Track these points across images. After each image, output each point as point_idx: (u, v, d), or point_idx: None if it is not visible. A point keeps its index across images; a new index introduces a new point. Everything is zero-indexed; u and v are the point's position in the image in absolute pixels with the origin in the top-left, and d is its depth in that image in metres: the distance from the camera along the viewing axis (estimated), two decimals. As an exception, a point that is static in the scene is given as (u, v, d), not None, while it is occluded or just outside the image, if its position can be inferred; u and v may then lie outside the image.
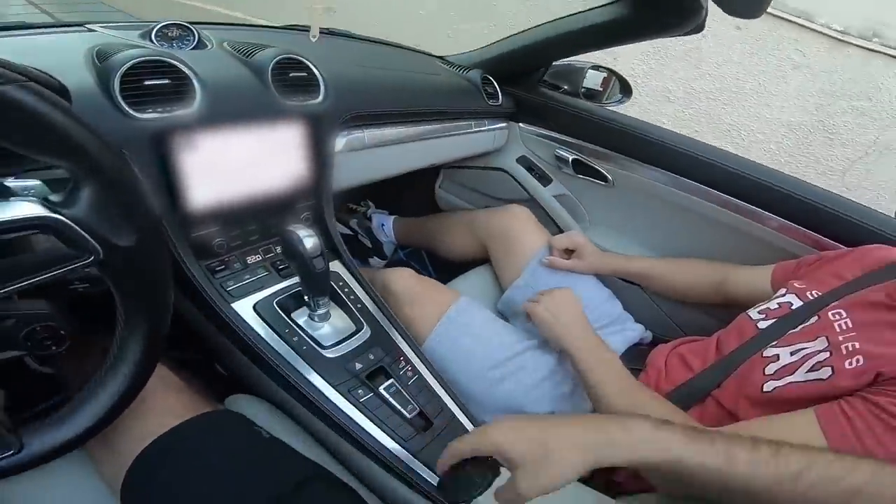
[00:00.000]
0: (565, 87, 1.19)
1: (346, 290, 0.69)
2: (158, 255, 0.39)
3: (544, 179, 1.19)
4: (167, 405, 0.52)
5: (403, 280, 0.81)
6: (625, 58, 2.12)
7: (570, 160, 1.11)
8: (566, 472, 0.39)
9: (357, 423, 0.56)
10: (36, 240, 0.42)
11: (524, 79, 1.16)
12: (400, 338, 0.68)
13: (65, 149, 0.32)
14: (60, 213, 0.33)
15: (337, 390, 0.58)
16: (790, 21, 1.96)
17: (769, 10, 1.85)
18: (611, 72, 1.19)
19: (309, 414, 0.58)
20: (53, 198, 0.34)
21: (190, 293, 0.59)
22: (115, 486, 0.49)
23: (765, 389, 0.58)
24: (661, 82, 2.12)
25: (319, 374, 0.58)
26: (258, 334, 0.59)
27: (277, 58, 0.67)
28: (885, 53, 1.92)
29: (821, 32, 1.95)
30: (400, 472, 0.55)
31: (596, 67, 1.19)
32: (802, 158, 2.12)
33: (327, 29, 1.07)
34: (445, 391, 0.65)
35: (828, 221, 0.82)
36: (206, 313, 0.60)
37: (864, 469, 0.39)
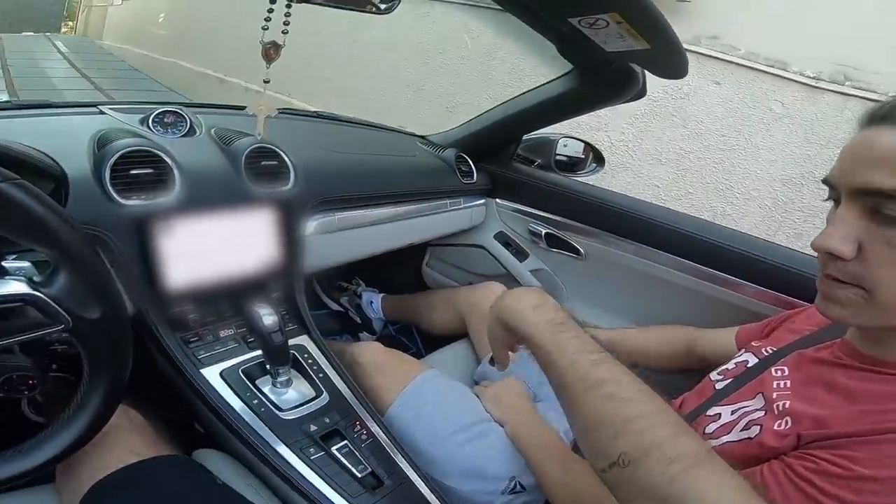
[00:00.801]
0: (538, 161, 1.27)
1: (309, 360, 0.76)
2: (120, 326, 0.48)
3: (521, 255, 1.25)
4: (130, 444, 0.58)
5: (370, 353, 0.87)
6: (615, 122, 2.24)
7: (544, 234, 1.18)
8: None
9: (306, 479, 0.61)
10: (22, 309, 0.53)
11: (498, 155, 1.25)
12: (358, 404, 0.73)
13: (46, 239, 0.42)
14: (40, 292, 0.43)
15: (290, 448, 0.63)
16: (765, 72, 2.04)
17: (744, 62, 1.96)
18: (582, 142, 1.28)
19: (266, 469, 0.64)
20: (37, 278, 0.44)
21: (166, 359, 0.67)
22: None
23: None
24: (652, 144, 2.20)
25: (274, 433, 0.64)
26: (221, 396, 0.66)
27: (251, 147, 0.77)
28: (858, 96, 1.97)
29: (795, 81, 2.02)
30: None
31: (567, 137, 1.28)
32: (797, 213, 2.11)
33: (316, 112, 1.23)
34: (401, 454, 0.69)
35: (797, 282, 0.85)
36: (181, 377, 0.68)
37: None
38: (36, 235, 0.41)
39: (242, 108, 1.05)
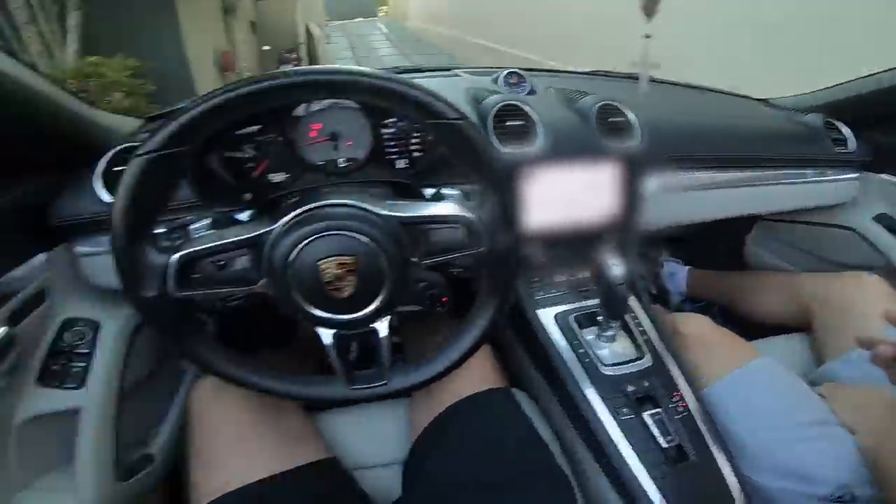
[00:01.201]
0: None
1: (635, 320, 0.74)
2: (518, 257, 0.53)
3: (914, 244, 0.92)
4: (484, 372, 0.68)
5: (697, 325, 0.79)
6: None
7: None
8: None
9: (611, 437, 0.62)
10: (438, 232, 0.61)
11: (889, 122, 0.95)
12: (679, 374, 0.69)
13: (484, 170, 0.49)
14: (475, 214, 0.50)
15: (604, 403, 0.64)
16: None
17: None
18: None
19: (565, 417, 0.67)
20: (468, 204, 0.52)
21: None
22: (418, 429, 0.65)
23: None
24: None
25: (592, 385, 0.66)
26: (553, 339, 0.71)
27: (599, 104, 0.78)
28: None
29: None
30: (629, 490, 0.58)
31: None
32: None
33: (650, 77, 1.14)
34: (712, 435, 0.64)
35: None
36: (517, 315, 0.75)
37: None
38: (479, 166, 0.49)
39: (577, 73, 1.06)
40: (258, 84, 0.42)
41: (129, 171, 0.42)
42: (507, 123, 0.74)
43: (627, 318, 0.74)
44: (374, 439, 0.71)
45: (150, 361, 0.80)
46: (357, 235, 0.46)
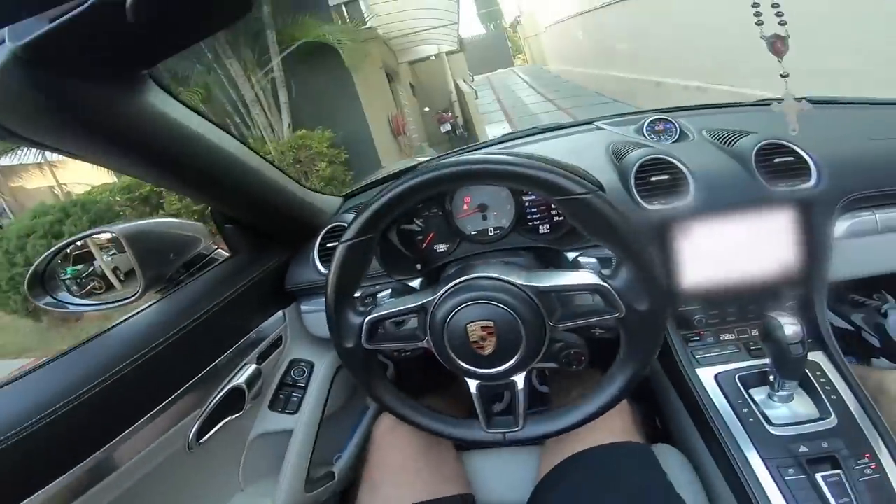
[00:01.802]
0: None
1: (822, 379, 0.66)
2: (661, 320, 0.55)
3: None
4: (612, 426, 0.68)
5: None
6: None
7: None
8: None
9: (767, 497, 0.56)
10: (576, 297, 0.66)
11: None
12: (876, 433, 0.60)
13: (616, 240, 0.52)
14: (608, 283, 0.53)
15: (763, 461, 0.59)
16: None
17: None
18: None
19: (720, 475, 0.62)
20: (605, 271, 0.56)
21: (665, 354, 0.73)
22: (542, 473, 0.68)
23: None
24: None
25: (752, 441, 0.61)
26: (711, 399, 0.67)
27: (759, 144, 0.73)
28: None
29: None
30: None
31: None
32: None
33: (817, 98, 1.01)
34: None
35: None
36: (671, 373, 0.73)
37: None
38: (609, 236, 0.53)
39: (729, 105, 1.01)
40: (412, 181, 0.56)
41: (337, 255, 0.59)
42: (653, 179, 0.74)
43: (813, 376, 0.66)
44: (507, 480, 0.76)
45: (343, 397, 0.99)
46: (497, 304, 0.55)
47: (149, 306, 0.69)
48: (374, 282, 0.78)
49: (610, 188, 0.74)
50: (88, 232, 0.74)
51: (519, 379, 0.59)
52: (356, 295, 0.63)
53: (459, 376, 0.61)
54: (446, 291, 0.58)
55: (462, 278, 0.58)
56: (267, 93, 5.68)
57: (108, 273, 0.75)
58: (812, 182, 0.71)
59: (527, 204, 0.76)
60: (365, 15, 7.45)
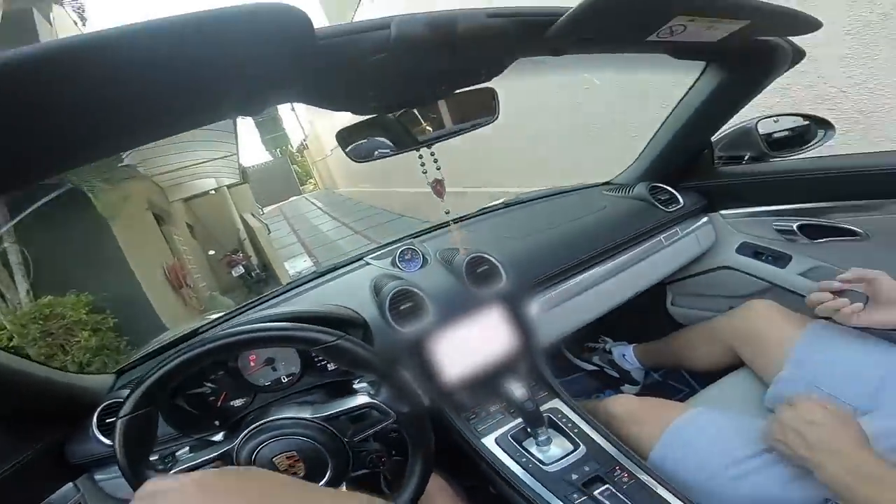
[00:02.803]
0: (748, 154, 1.15)
1: (564, 419, 0.88)
2: (422, 414, 0.71)
3: (780, 260, 1.13)
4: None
5: (623, 404, 0.93)
6: (827, 70, 1.82)
7: (796, 227, 1.06)
8: None
9: None
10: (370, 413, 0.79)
11: (696, 168, 1.21)
12: (616, 451, 0.81)
13: (369, 369, 0.67)
14: (376, 400, 0.69)
15: (556, 496, 0.76)
16: None
17: None
18: (792, 114, 1.14)
19: None
20: (372, 391, 0.71)
21: (458, 436, 0.89)
22: None
23: None
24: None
25: (542, 485, 0.78)
26: (499, 459, 0.84)
27: (466, 259, 0.99)
28: None
29: None
30: None
31: (767, 117, 1.14)
32: None
33: (504, 203, 1.38)
34: (670, 491, 0.73)
35: None
36: (470, 448, 0.88)
37: None
38: (363, 367, 0.69)
39: (446, 224, 1.33)
40: (180, 358, 0.62)
41: (117, 431, 0.62)
42: (402, 308, 0.95)
43: (556, 419, 0.88)
44: None
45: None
46: (296, 437, 0.68)
47: None
48: (172, 443, 0.82)
49: (373, 321, 0.92)
50: None
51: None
52: (152, 458, 0.66)
53: None
54: (246, 435, 0.68)
55: (259, 422, 0.69)
56: (-9, 253, 4.53)
57: None
58: (503, 281, 0.99)
59: (312, 352, 0.87)
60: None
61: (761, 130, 1.13)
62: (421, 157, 0.80)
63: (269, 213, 16.33)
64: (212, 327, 1.03)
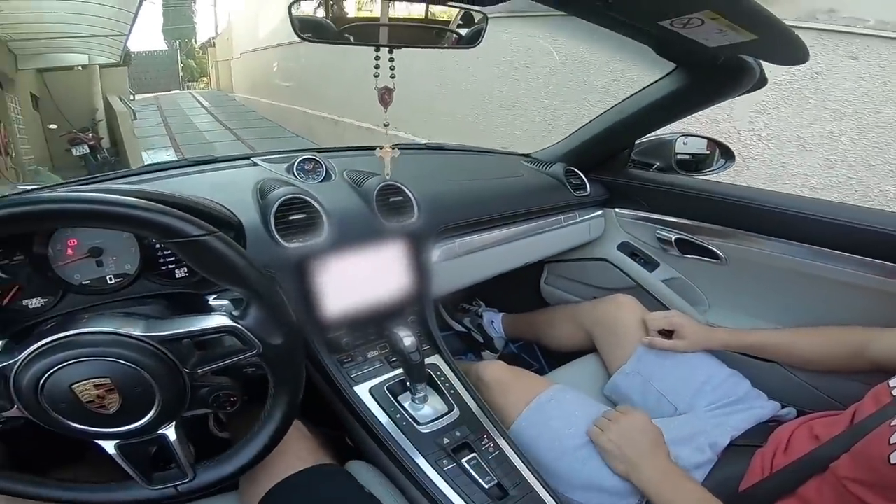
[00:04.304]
0: (657, 164, 1.23)
1: (442, 378, 0.83)
2: (297, 350, 0.58)
3: (650, 265, 1.21)
4: (298, 451, 0.71)
5: (494, 371, 0.92)
6: (738, 111, 2.07)
7: (674, 240, 1.13)
8: None
9: (438, 488, 0.68)
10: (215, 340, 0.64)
11: (611, 163, 1.24)
12: (486, 419, 0.79)
13: (240, 281, 0.53)
14: (239, 323, 0.54)
15: (426, 459, 0.71)
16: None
17: (876, 32, 1.71)
18: (704, 137, 1.22)
19: (405, 478, 0.72)
20: (235, 313, 0.56)
21: (325, 379, 0.79)
22: None
23: (892, 461, 0.55)
24: (790, 130, 2.01)
25: (413, 445, 0.73)
26: (370, 411, 0.76)
27: (380, 185, 0.86)
28: None
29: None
30: None
31: (686, 135, 1.22)
32: None
33: (426, 145, 1.32)
34: (526, 466, 0.74)
35: None
36: (337, 394, 0.79)
37: None
38: (232, 278, 0.53)
39: (371, 148, 1.20)
40: None
41: None
42: (291, 218, 0.77)
43: (434, 376, 0.83)
44: None
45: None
46: (112, 360, 0.50)
47: None
48: None
49: (251, 227, 0.74)
50: None
51: (169, 431, 0.56)
52: None
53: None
54: (31, 353, 0.49)
55: (54, 337, 0.50)
56: None
57: None
58: (415, 217, 0.89)
59: (158, 246, 0.68)
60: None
61: (676, 147, 1.21)
62: (378, 58, 0.67)
63: (141, 100, 13.91)
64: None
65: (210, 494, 0.63)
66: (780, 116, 2.01)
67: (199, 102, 13.98)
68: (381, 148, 0.84)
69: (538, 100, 3.16)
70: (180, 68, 26.42)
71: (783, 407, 0.91)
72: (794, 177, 2.04)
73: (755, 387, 0.93)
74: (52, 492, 0.57)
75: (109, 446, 0.55)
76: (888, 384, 0.68)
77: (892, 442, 0.56)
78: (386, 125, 0.78)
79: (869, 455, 0.59)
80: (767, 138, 2.05)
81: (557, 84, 2.97)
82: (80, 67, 8.95)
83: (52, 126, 8.05)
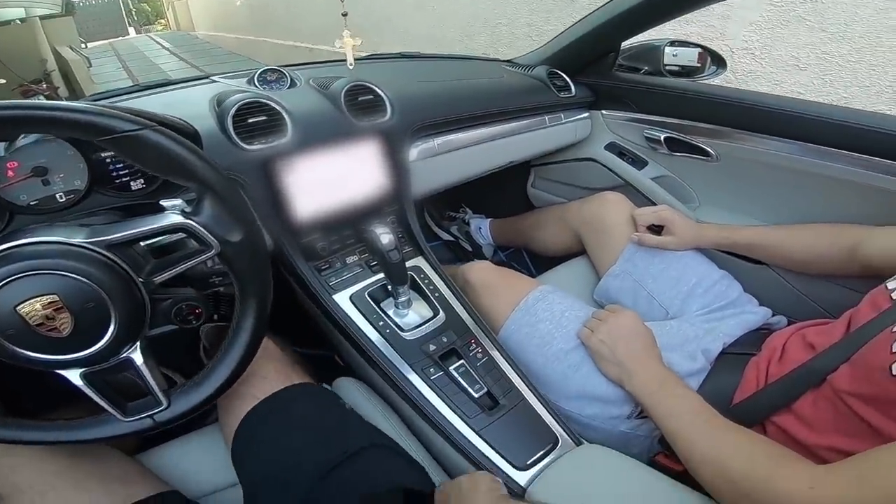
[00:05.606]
0: (646, 68, 1.19)
1: (426, 281, 0.81)
2: (258, 246, 0.54)
3: (638, 163, 1.18)
4: (278, 376, 0.68)
5: (481, 272, 0.88)
6: (732, 31, 2.00)
7: (663, 138, 1.09)
8: None
9: (426, 399, 0.67)
10: (184, 243, 0.60)
11: (596, 66, 1.18)
12: (473, 323, 0.77)
13: (186, 174, 0.48)
14: (192, 220, 0.49)
15: (412, 368, 0.69)
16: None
17: None
18: (696, 46, 1.17)
19: (392, 391, 0.70)
20: (187, 209, 0.51)
21: (302, 287, 0.76)
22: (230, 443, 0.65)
23: (894, 371, 0.50)
24: (786, 50, 1.93)
25: (398, 353, 0.70)
26: (352, 319, 0.73)
27: (347, 86, 0.82)
28: None
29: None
30: (459, 446, 0.63)
31: (676, 44, 1.17)
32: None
33: (399, 53, 1.24)
34: (516, 373, 0.72)
35: None
36: (315, 303, 0.76)
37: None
38: (177, 171, 0.48)
39: (341, 61, 1.10)
40: None
41: None
42: (250, 121, 0.72)
43: (418, 279, 0.80)
44: (209, 465, 0.69)
45: None
46: (56, 272, 0.45)
47: None
48: None
49: (208, 134, 0.69)
50: None
51: (135, 354, 0.52)
52: None
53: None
54: None
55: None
56: None
57: None
58: (387, 116, 0.84)
59: (108, 160, 0.61)
60: None
61: (665, 59, 1.16)
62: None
63: (96, 47, 12.86)
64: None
65: (193, 428, 0.60)
66: (776, 37, 1.93)
67: (160, 45, 13.01)
68: (341, 38, 0.76)
69: (521, 17, 2.97)
70: (133, 12, 24.65)
71: (774, 315, 0.88)
72: (787, 94, 1.99)
73: (746, 291, 0.91)
74: (14, 433, 0.52)
75: (74, 376, 0.51)
76: (886, 286, 0.62)
77: (893, 350, 0.52)
78: (344, 14, 0.75)
79: (869, 365, 0.54)
80: (762, 57, 1.98)
81: (542, 1, 2.78)
82: (17, 21, 8.21)
83: (1, 81, 7.49)
